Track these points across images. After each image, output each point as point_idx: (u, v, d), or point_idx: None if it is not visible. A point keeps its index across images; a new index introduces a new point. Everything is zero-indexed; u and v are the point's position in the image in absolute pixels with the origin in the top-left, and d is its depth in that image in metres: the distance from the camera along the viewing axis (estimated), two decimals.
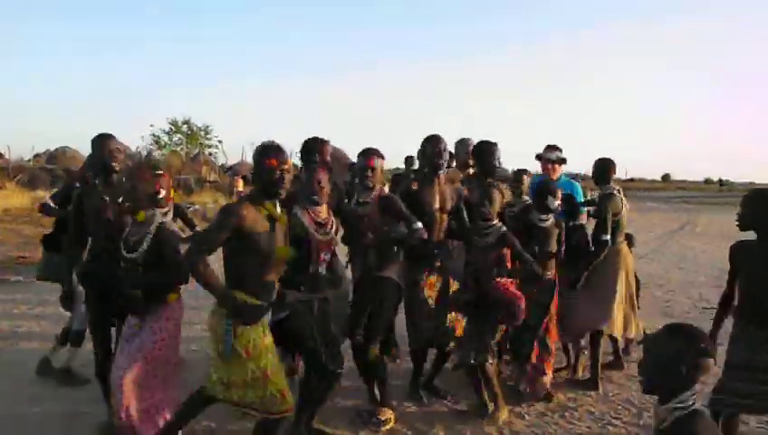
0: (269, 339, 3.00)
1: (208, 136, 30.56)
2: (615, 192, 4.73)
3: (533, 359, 4.30)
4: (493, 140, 4.49)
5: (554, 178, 5.16)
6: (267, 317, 3.12)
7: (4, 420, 3.91)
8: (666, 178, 72.94)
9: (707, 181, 76.75)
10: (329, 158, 4.07)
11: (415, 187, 4.10)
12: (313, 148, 4.01)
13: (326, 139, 4.10)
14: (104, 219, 3.75)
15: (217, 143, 30.38)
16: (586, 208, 5.12)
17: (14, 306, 7.00)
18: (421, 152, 4.19)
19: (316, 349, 3.37)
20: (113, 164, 3.88)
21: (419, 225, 3.75)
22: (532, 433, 3.92)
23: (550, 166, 5.25)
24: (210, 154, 29.80)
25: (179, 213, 4.92)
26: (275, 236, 2.97)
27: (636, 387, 4.61)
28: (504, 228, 4.06)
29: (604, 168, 4.79)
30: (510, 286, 3.97)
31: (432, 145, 4.12)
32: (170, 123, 29.81)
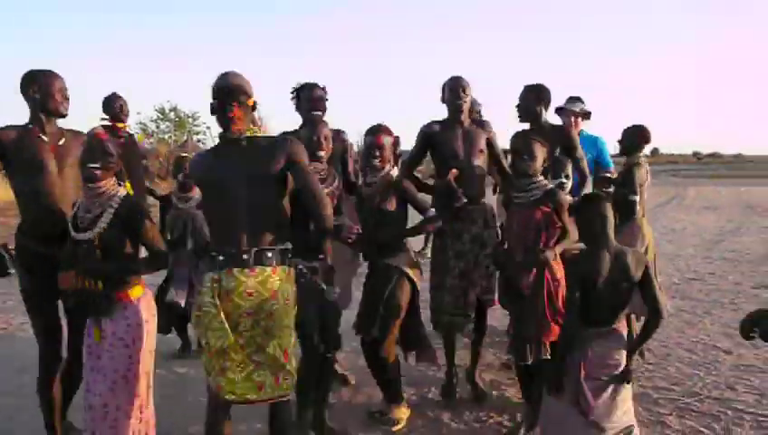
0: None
1: (196, 123, 30.30)
2: (642, 162, 4.39)
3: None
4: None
5: (576, 132, 4.79)
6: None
7: None
8: (654, 152, 73.37)
9: (696, 155, 77.17)
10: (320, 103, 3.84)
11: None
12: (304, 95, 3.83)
13: (318, 84, 3.86)
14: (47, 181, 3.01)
15: (206, 129, 30.03)
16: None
17: (8, 298, 7.02)
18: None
19: (311, 331, 3.08)
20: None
21: (433, 211, 3.53)
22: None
23: (573, 119, 4.91)
24: (199, 141, 29.62)
25: None
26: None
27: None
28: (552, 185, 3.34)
29: (636, 136, 4.41)
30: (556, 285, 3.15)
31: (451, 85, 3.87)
32: (157, 111, 29.53)
